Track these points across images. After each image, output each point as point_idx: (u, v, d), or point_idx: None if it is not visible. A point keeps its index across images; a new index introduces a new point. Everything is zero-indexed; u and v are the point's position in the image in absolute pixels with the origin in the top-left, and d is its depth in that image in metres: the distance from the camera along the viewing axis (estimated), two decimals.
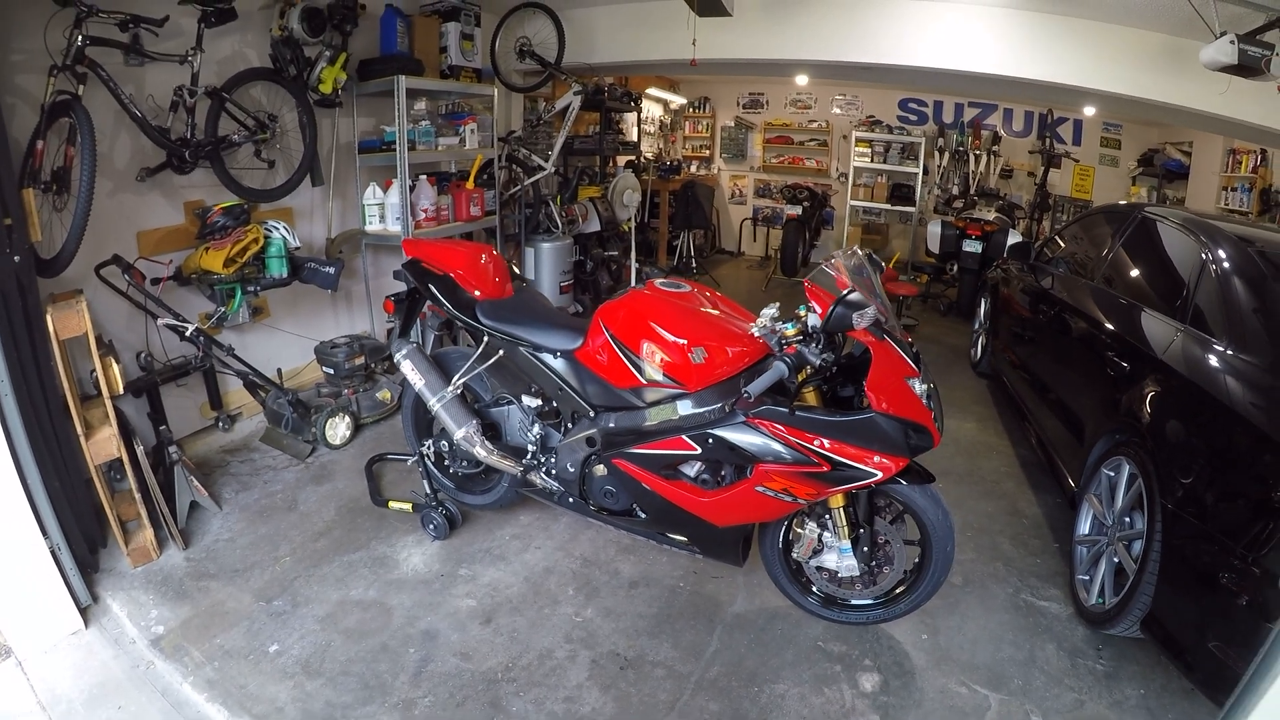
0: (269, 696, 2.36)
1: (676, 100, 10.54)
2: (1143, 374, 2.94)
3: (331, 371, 4.29)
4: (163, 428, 3.61)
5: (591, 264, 6.91)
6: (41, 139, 3.04)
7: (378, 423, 4.42)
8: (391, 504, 3.43)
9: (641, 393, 2.59)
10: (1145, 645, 2.72)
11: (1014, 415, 4.88)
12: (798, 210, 8.73)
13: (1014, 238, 7.33)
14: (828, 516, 2.59)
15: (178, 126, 3.68)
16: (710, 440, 2.45)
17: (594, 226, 6.83)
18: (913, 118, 9.57)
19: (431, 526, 3.24)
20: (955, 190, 9.06)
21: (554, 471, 2.93)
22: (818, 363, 2.26)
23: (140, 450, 3.13)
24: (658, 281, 2.82)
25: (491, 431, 3.14)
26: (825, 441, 2.30)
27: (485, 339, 2.95)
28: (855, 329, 2.18)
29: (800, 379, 2.40)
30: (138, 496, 3.00)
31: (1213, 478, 2.35)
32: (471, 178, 5.10)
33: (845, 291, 2.19)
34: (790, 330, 2.34)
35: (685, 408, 2.49)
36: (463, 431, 2.95)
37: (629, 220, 7.37)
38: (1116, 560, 2.74)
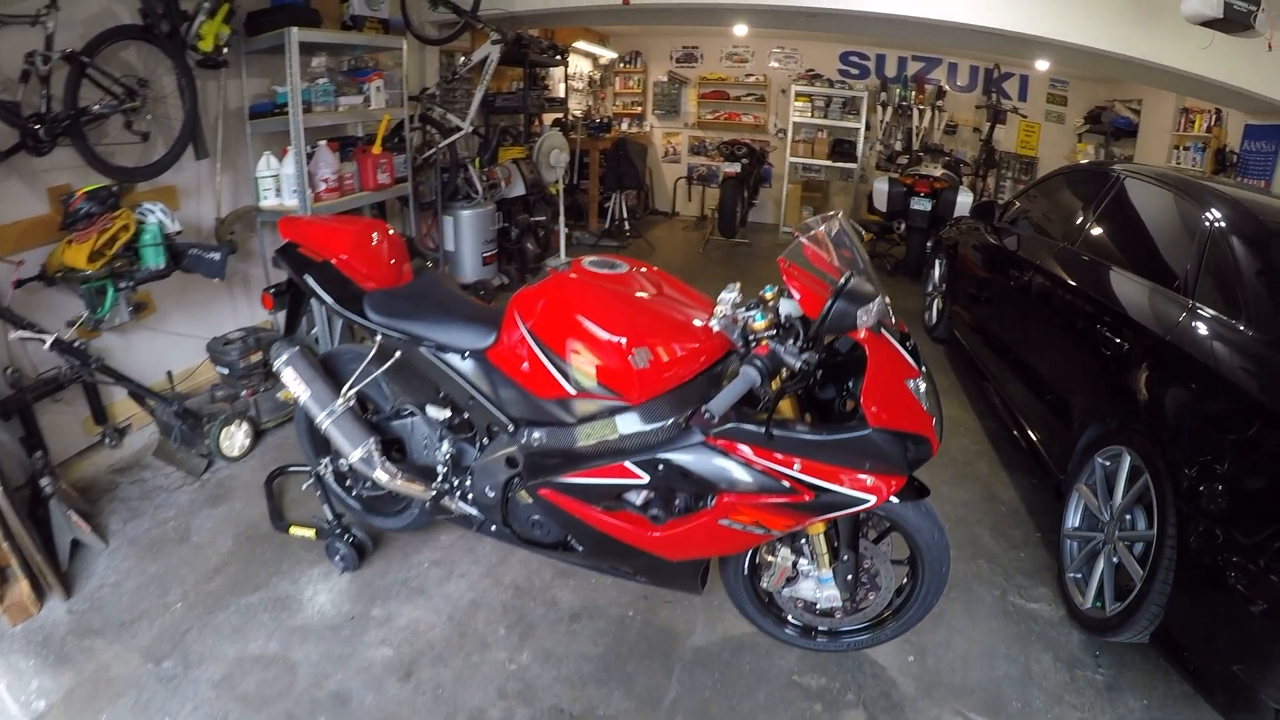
0: None
1: (606, 55, 10.05)
2: (1144, 356, 2.66)
3: (226, 372, 3.81)
4: (37, 454, 3.07)
5: (517, 231, 6.49)
6: None
7: (282, 426, 3.92)
8: (293, 529, 3.01)
9: (570, 405, 2.11)
10: (1143, 648, 2.55)
11: (977, 384, 4.63)
12: (736, 168, 8.38)
13: (964, 195, 7.25)
14: (804, 542, 2.23)
15: (31, 100, 3.12)
16: (660, 466, 1.99)
17: (519, 190, 6.43)
18: (854, 71, 9.35)
19: (338, 557, 2.82)
20: (899, 147, 8.89)
21: (470, 496, 2.49)
22: (797, 365, 1.78)
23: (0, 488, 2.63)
24: (586, 261, 2.32)
25: (396, 448, 2.70)
26: (807, 464, 1.89)
27: (379, 338, 2.49)
28: (858, 329, 1.78)
29: (775, 386, 1.92)
30: (4, 545, 2.55)
31: (1238, 479, 2.09)
32: (379, 141, 4.60)
33: (844, 279, 1.76)
34: (759, 323, 1.87)
35: (627, 425, 2.03)
36: (358, 452, 2.49)
37: (556, 182, 6.95)
38: (1117, 560, 2.53)
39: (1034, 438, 3.47)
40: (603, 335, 2.03)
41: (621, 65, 10.37)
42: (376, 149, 4.61)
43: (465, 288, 4.40)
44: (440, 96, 5.54)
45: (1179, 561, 2.19)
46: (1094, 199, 3.78)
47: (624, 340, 2.00)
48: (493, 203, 5.92)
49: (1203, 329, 2.53)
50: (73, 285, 3.33)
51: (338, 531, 2.80)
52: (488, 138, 6.16)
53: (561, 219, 7.12)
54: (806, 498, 1.91)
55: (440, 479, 2.53)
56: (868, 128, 9.10)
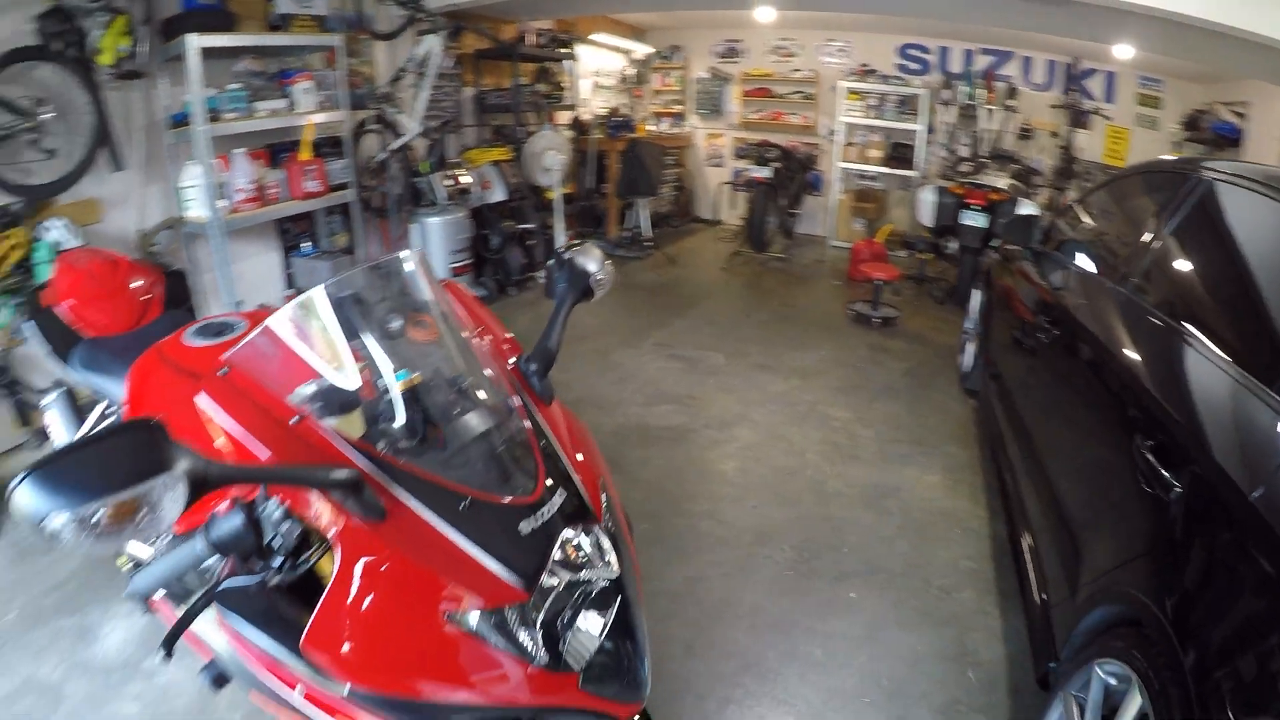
0: None
1: (641, 49, 9.91)
2: (1203, 517, 1.59)
3: None
4: None
5: (499, 239, 6.43)
6: None
7: None
8: (120, 560, 3.06)
9: None
10: None
11: (997, 466, 3.56)
12: (766, 173, 8.05)
13: (1027, 209, 6.42)
14: None
15: None
16: None
17: (498, 195, 6.35)
18: (914, 66, 8.81)
19: (134, 600, 2.85)
20: (965, 152, 8.30)
21: None
22: (279, 540, 1.17)
23: None
24: (190, 331, 1.98)
25: None
26: (307, 690, 1.32)
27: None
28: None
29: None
30: None
31: None
32: (304, 147, 4.65)
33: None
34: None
35: None
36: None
37: (553, 187, 6.83)
38: None
39: (1034, 580, 2.47)
40: None
41: (660, 61, 10.20)
42: (304, 155, 4.66)
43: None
44: (393, 96, 5.53)
45: None
46: (1163, 215, 2.61)
47: None
48: (464, 209, 5.89)
49: None
50: None
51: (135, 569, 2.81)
52: (436, 140, 6.08)
53: (558, 226, 7.01)
54: None
55: None
56: (929, 130, 8.56)
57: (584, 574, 1.28)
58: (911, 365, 5.31)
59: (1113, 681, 1.72)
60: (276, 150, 4.83)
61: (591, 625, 1.27)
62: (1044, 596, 2.34)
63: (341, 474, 1.12)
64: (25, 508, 0.81)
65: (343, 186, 5.03)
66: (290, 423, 1.28)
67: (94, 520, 0.82)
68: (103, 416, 2.48)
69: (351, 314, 1.45)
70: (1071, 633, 1.96)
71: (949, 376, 5.12)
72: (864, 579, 3.03)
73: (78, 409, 2.62)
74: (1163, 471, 1.71)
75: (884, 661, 2.61)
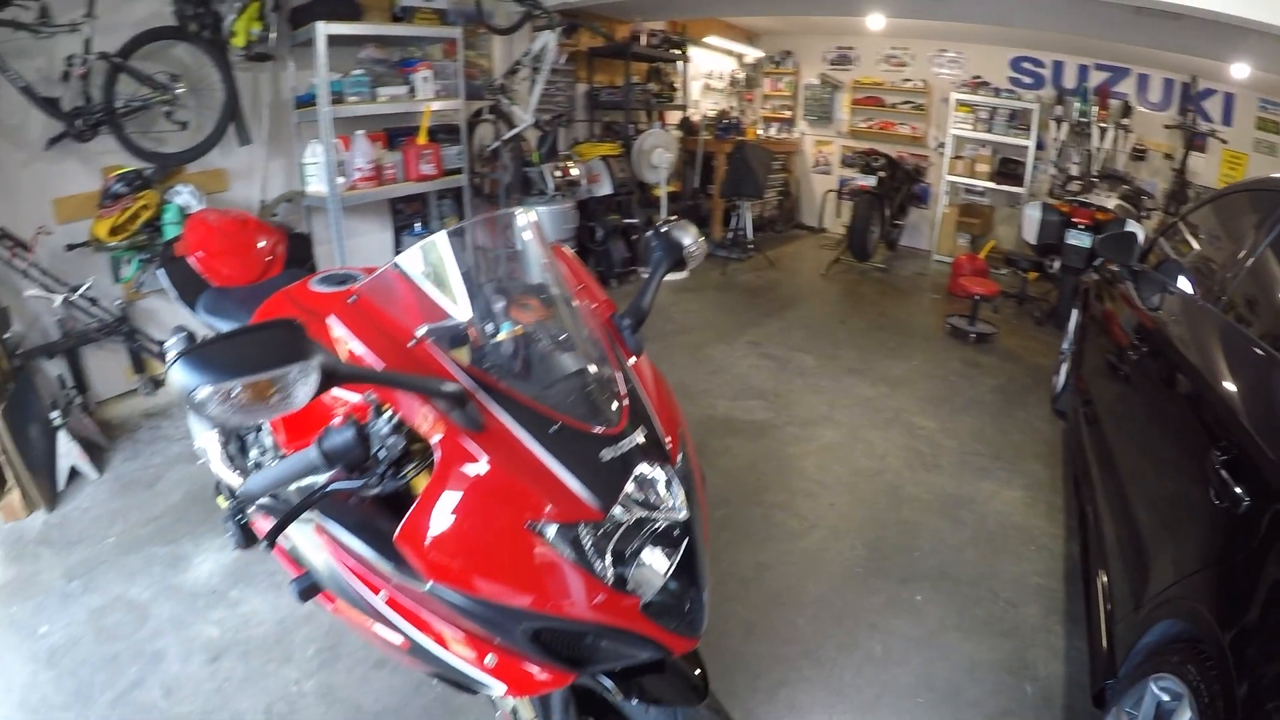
0: (11, 675, 2.48)
1: (753, 53, 9.95)
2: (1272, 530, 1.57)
3: None
4: (68, 390, 3.91)
5: (603, 232, 6.60)
6: None
7: None
8: (219, 499, 3.33)
9: None
10: None
11: (1078, 489, 3.41)
12: (871, 181, 7.99)
13: (1134, 230, 6.22)
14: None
15: (73, 96, 3.78)
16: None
17: (605, 189, 6.51)
18: (1027, 79, 8.55)
19: (229, 533, 3.09)
20: (1075, 171, 8.02)
21: None
22: (384, 453, 1.30)
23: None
24: (315, 280, 2.19)
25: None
26: (395, 599, 1.45)
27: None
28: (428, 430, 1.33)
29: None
30: (2, 459, 3.22)
31: None
32: (423, 132, 4.93)
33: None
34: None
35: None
36: (200, 439, 2.71)
37: (659, 185, 6.97)
38: None
39: (1102, 599, 2.41)
40: None
41: (772, 65, 10.20)
42: (421, 139, 4.93)
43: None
44: (508, 88, 5.75)
45: None
46: (1261, 232, 2.51)
47: None
48: (571, 200, 6.07)
49: None
50: (104, 253, 4.05)
51: (233, 511, 3.07)
52: (548, 132, 6.29)
53: (662, 220, 7.12)
54: (398, 641, 1.49)
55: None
56: (1039, 146, 8.32)
57: (654, 513, 1.35)
58: (1002, 382, 5.21)
59: (1165, 698, 1.70)
60: (394, 134, 5.12)
61: (657, 562, 1.34)
62: (1109, 608, 2.30)
63: (450, 386, 1.25)
64: (178, 382, 0.95)
65: (456, 171, 5.30)
66: (408, 345, 1.41)
67: (234, 395, 0.96)
68: None
69: (468, 258, 1.61)
70: (1131, 650, 1.93)
71: (1040, 396, 4.99)
72: (931, 583, 3.03)
73: None
74: (1230, 482, 1.69)
75: (941, 665, 2.61)
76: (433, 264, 1.52)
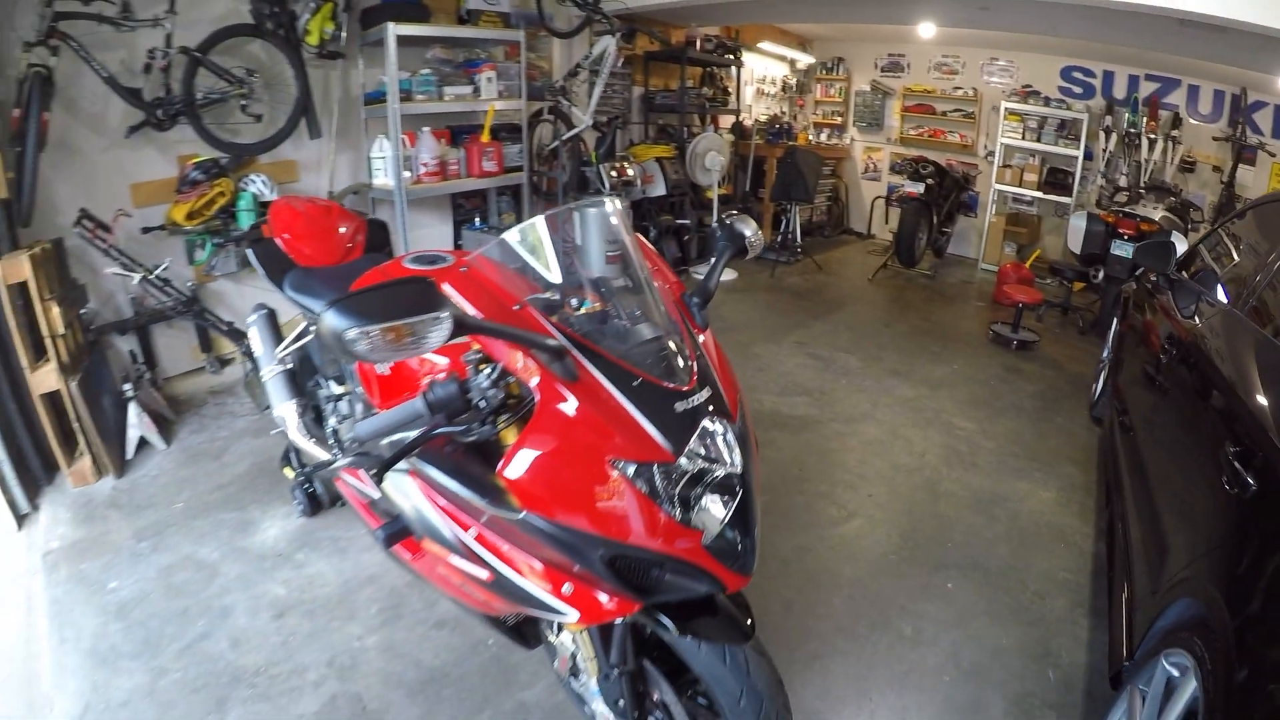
0: (80, 625, 2.64)
1: (805, 59, 10.03)
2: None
3: None
4: (138, 364, 4.17)
5: (655, 232, 6.74)
6: (18, 106, 3.48)
7: None
8: (286, 470, 3.52)
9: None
10: None
11: (1109, 491, 3.46)
12: (919, 188, 8.01)
13: (1179, 242, 6.16)
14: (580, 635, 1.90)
15: (153, 87, 4.04)
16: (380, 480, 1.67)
17: (659, 190, 6.64)
18: (1077, 89, 8.50)
19: (296, 502, 3.29)
20: (1123, 182, 7.96)
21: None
22: (484, 404, 1.45)
23: (74, 384, 3.44)
24: (408, 259, 2.28)
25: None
26: (484, 535, 1.60)
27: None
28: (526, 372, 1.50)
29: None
30: (76, 426, 3.45)
31: None
32: (486, 130, 5.12)
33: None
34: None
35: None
36: (279, 408, 2.84)
37: (712, 187, 7.09)
38: None
39: (1125, 588, 2.48)
40: None
41: (824, 72, 10.28)
42: (484, 137, 5.12)
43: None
44: (568, 90, 5.92)
45: None
46: None
47: None
48: (626, 199, 6.22)
49: None
50: (179, 237, 4.32)
51: (301, 480, 3.26)
52: (605, 133, 6.46)
53: (726, 213, 7.26)
54: (483, 576, 1.63)
55: (333, 448, 2.67)
56: (1088, 156, 8.28)
57: (714, 465, 1.53)
58: (1043, 389, 5.23)
59: (1175, 673, 1.77)
60: (458, 131, 5.32)
61: (716, 508, 1.52)
62: (1126, 592, 2.40)
63: (551, 342, 1.46)
64: (330, 324, 1.14)
65: (516, 169, 5.48)
66: (513, 309, 1.62)
67: (374, 336, 1.15)
68: (303, 333, 2.89)
69: (561, 238, 1.79)
70: (1147, 634, 2.02)
71: (1078, 402, 5.01)
72: (963, 572, 3.11)
73: (276, 328, 3.07)
74: (1241, 467, 1.77)
75: (968, 647, 2.70)
76: (531, 242, 1.72)
